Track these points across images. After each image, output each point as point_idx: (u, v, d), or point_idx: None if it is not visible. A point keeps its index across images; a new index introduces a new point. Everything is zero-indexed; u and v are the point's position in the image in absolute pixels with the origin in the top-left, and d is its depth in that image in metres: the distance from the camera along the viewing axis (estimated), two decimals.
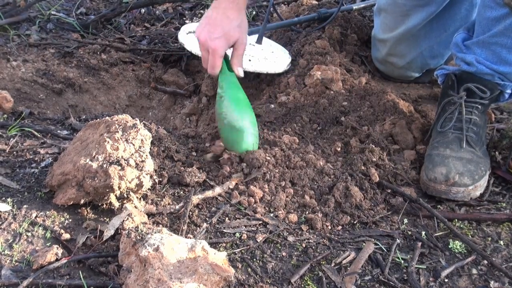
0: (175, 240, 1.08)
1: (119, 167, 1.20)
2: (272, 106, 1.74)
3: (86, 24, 2.47)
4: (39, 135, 1.56)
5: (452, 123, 1.48)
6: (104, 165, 1.19)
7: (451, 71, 1.56)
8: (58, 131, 1.60)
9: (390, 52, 1.91)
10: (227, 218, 1.29)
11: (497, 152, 1.53)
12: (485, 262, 1.21)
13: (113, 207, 1.25)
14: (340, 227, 1.29)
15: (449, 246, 1.25)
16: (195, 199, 1.32)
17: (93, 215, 1.26)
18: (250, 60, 1.86)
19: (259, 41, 2.01)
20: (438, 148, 1.45)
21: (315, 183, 1.42)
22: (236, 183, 1.39)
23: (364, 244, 1.24)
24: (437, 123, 1.53)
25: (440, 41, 1.84)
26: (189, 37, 1.94)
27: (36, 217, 1.23)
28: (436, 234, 1.29)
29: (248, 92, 1.93)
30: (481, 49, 1.48)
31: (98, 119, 1.36)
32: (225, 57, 1.53)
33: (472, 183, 1.38)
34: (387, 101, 1.72)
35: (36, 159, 1.44)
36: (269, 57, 1.93)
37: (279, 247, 1.22)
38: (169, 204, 1.32)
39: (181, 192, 1.37)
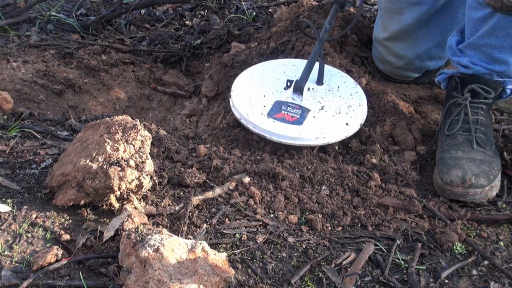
0: (175, 241, 1.08)
1: (119, 168, 1.20)
2: None
3: (86, 25, 2.47)
4: (39, 136, 1.56)
5: (459, 125, 1.49)
6: (104, 166, 1.19)
7: (453, 74, 1.56)
8: (58, 132, 1.60)
9: (388, 51, 1.92)
10: (227, 219, 1.29)
11: (505, 153, 1.53)
12: (485, 263, 1.21)
13: (113, 208, 1.25)
14: (340, 228, 1.29)
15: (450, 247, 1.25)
16: (195, 200, 1.32)
17: (93, 216, 1.26)
18: (347, 124, 1.53)
19: (320, 81, 1.67)
20: (450, 151, 1.45)
21: (316, 183, 1.42)
22: (236, 184, 1.39)
23: (364, 245, 1.24)
24: (443, 126, 1.54)
25: (438, 45, 1.85)
26: (270, 121, 1.52)
27: (36, 218, 1.23)
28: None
29: None
30: (474, 51, 1.49)
31: (98, 120, 1.36)
32: None
33: (488, 184, 1.38)
34: (387, 102, 1.72)
35: (36, 160, 1.44)
36: (349, 100, 1.62)
37: (279, 248, 1.22)
38: (169, 205, 1.32)
39: (181, 193, 1.37)
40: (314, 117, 1.53)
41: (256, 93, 1.62)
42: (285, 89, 1.63)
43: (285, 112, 1.54)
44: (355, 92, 1.65)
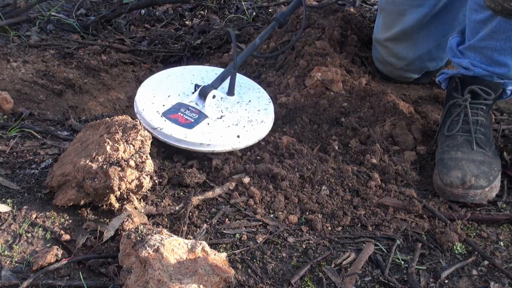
0: (175, 241, 1.08)
1: (119, 168, 1.20)
2: None
3: (86, 25, 2.47)
4: (39, 136, 1.56)
5: (459, 125, 1.48)
6: (104, 166, 1.19)
7: (453, 74, 1.56)
8: (58, 132, 1.60)
9: (389, 52, 1.92)
10: (227, 219, 1.29)
11: (505, 153, 1.53)
12: (485, 263, 1.21)
13: (113, 208, 1.25)
14: (340, 228, 1.29)
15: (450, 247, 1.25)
16: (195, 200, 1.32)
17: (93, 216, 1.26)
18: (238, 136, 1.49)
19: (231, 91, 1.64)
20: (449, 152, 1.45)
21: (316, 183, 1.42)
22: (236, 184, 1.39)
23: (364, 245, 1.24)
24: (443, 126, 1.54)
25: (438, 46, 1.85)
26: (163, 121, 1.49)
27: (36, 218, 1.23)
28: None
29: None
30: (474, 53, 1.49)
31: (98, 120, 1.36)
32: None
33: (488, 185, 1.38)
34: (387, 102, 1.72)
35: (36, 160, 1.44)
36: (253, 114, 1.58)
37: (279, 248, 1.22)
38: (169, 205, 1.32)
39: (181, 193, 1.37)
40: (208, 124, 1.50)
41: (162, 92, 1.59)
42: (192, 93, 1.60)
43: (181, 114, 1.51)
44: (263, 109, 1.61)
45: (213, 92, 1.56)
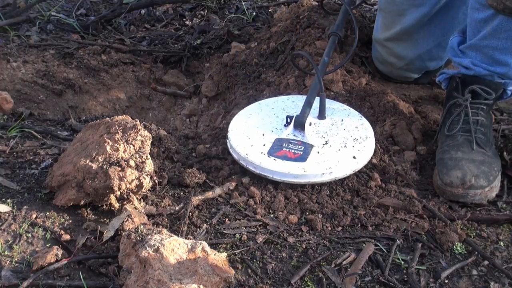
0: (175, 241, 1.08)
1: (119, 168, 1.20)
2: None
3: (86, 25, 2.47)
4: (39, 136, 1.56)
5: (459, 125, 1.48)
6: (104, 166, 1.19)
7: (454, 74, 1.56)
8: (58, 132, 1.60)
9: (388, 52, 1.92)
10: (227, 219, 1.29)
11: (505, 153, 1.53)
12: (485, 263, 1.21)
13: (113, 208, 1.25)
14: (340, 228, 1.29)
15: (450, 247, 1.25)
16: (195, 200, 1.32)
17: (93, 216, 1.26)
18: (355, 157, 1.43)
19: (322, 115, 1.58)
20: (449, 152, 1.45)
21: (316, 183, 1.42)
22: (236, 184, 1.39)
23: (364, 245, 1.24)
24: (443, 126, 1.54)
25: (438, 45, 1.85)
26: (270, 160, 1.42)
27: (36, 218, 1.23)
28: None
29: (247, 93, 1.93)
30: (475, 52, 1.49)
31: (98, 120, 1.36)
32: None
33: (488, 185, 1.38)
34: (387, 102, 1.72)
35: (36, 160, 1.44)
36: (355, 132, 1.53)
37: (279, 248, 1.22)
38: (169, 205, 1.32)
39: (181, 193, 1.37)
40: (318, 152, 1.44)
41: (255, 132, 1.53)
42: (285, 126, 1.54)
43: (287, 150, 1.44)
44: (360, 125, 1.56)
45: (309, 119, 1.51)
